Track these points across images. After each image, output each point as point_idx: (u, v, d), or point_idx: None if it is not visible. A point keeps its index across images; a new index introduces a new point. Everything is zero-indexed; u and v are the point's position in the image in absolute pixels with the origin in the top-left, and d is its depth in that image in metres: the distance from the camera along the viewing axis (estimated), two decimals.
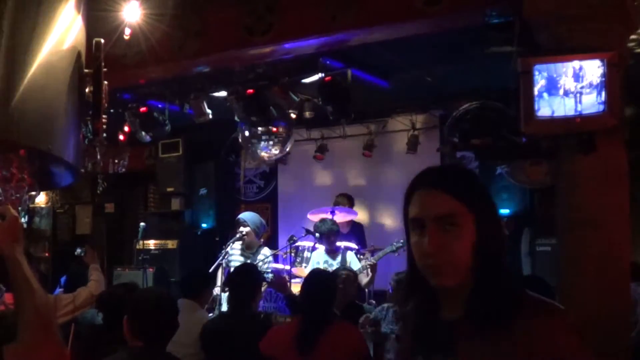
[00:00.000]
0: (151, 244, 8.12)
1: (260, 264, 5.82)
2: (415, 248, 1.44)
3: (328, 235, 6.07)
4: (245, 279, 4.19)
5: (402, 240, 6.36)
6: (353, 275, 5.27)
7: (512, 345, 1.33)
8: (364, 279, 5.96)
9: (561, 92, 3.74)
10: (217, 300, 5.52)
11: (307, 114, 6.64)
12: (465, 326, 1.40)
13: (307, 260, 6.34)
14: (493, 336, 1.35)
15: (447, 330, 1.43)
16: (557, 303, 1.49)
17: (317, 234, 6.16)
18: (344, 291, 4.84)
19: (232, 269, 5.35)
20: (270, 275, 5.55)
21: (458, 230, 1.39)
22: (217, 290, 5.59)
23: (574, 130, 3.75)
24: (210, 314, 5.19)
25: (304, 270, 6.04)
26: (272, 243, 7.71)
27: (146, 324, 2.81)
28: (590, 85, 3.69)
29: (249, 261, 5.89)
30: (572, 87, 3.73)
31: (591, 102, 3.70)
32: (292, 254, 6.32)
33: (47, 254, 9.48)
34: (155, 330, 2.82)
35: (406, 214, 1.49)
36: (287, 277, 5.77)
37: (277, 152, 7.33)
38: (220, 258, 5.95)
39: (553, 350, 1.33)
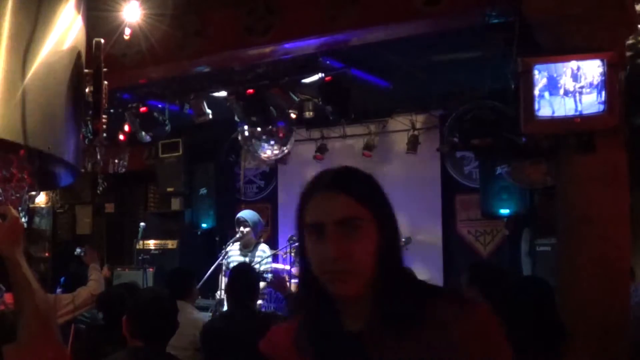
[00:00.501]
0: (151, 244, 8.12)
1: (258, 259, 5.81)
2: (315, 255, 1.35)
3: None
4: (241, 279, 4.19)
5: (402, 240, 6.37)
6: None
7: (427, 346, 1.28)
8: None
9: (561, 92, 3.74)
10: (221, 303, 5.52)
11: (307, 114, 6.64)
12: (373, 336, 1.32)
13: None
14: (405, 342, 1.29)
15: (353, 343, 1.34)
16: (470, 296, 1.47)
17: None
18: None
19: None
20: (270, 275, 5.56)
21: (360, 234, 1.32)
22: (219, 293, 5.59)
23: (574, 130, 3.75)
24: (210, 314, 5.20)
25: None
26: (272, 243, 7.70)
27: (146, 324, 2.81)
28: (590, 85, 3.69)
29: (247, 259, 5.90)
30: (572, 87, 3.74)
31: (591, 102, 3.70)
32: (292, 254, 6.32)
33: (47, 254, 9.48)
34: (155, 329, 2.82)
35: (301, 219, 1.39)
36: (287, 277, 5.77)
37: (277, 152, 7.33)
38: (221, 258, 5.95)
39: (471, 340, 1.27)
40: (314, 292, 1.38)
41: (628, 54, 3.93)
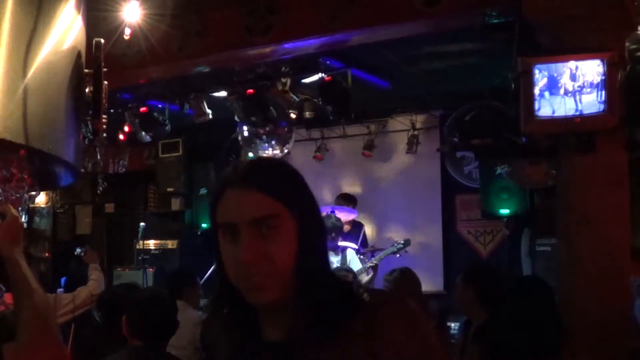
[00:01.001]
0: (151, 244, 8.12)
1: None
2: (228, 258, 1.22)
3: (331, 230, 6.08)
4: None
5: (402, 242, 6.38)
6: (351, 276, 5.28)
7: (353, 355, 1.16)
8: (365, 279, 5.98)
9: (562, 91, 3.74)
10: None
11: (307, 114, 6.64)
12: (295, 346, 1.19)
13: None
14: (329, 352, 1.17)
15: (275, 354, 1.22)
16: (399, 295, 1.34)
17: None
18: None
19: None
20: None
21: (278, 234, 1.19)
22: None
23: (574, 130, 3.75)
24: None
25: None
26: None
27: (145, 324, 2.81)
28: (591, 85, 3.69)
29: None
30: (572, 86, 3.74)
31: (591, 102, 3.70)
32: None
33: (47, 254, 9.47)
34: (155, 329, 2.82)
35: (214, 218, 1.27)
36: None
37: (277, 152, 7.33)
38: None
39: (402, 340, 1.16)
40: (231, 298, 1.25)
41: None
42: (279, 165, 1.29)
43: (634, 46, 3.90)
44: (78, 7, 2.18)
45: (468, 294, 3.74)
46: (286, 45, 5.12)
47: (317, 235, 1.26)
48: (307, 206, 1.25)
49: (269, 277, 1.18)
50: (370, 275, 6.00)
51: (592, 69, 3.69)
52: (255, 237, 1.18)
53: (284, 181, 1.24)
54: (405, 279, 4.51)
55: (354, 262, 6.08)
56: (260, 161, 1.34)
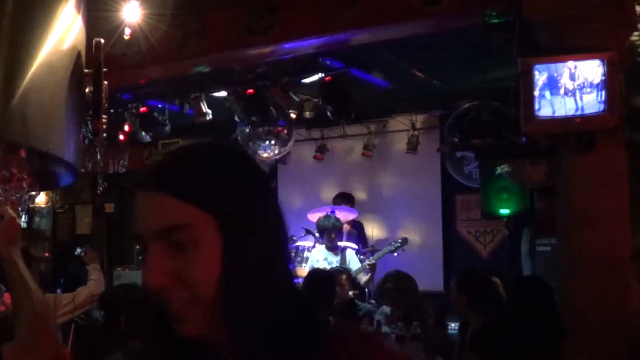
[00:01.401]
0: None
1: None
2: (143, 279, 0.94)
3: (331, 231, 6.08)
4: None
5: (399, 240, 6.39)
6: (344, 276, 5.28)
7: None
8: (363, 278, 5.99)
9: (562, 91, 3.74)
10: None
11: (307, 114, 6.64)
12: None
13: (307, 259, 6.35)
14: None
15: None
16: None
17: (319, 231, 6.18)
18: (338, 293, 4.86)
19: None
20: None
21: (195, 249, 0.89)
22: None
23: (574, 130, 3.75)
24: None
25: (304, 270, 6.04)
26: None
27: (145, 324, 2.80)
28: (591, 85, 3.69)
29: None
30: (572, 86, 3.74)
31: (591, 102, 3.70)
32: (292, 254, 6.33)
33: (47, 254, 9.47)
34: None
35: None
36: None
37: (277, 152, 7.33)
38: None
39: None
40: (160, 326, 0.96)
41: None
42: (199, 156, 0.95)
43: None
44: (78, 7, 2.19)
45: (462, 299, 3.79)
46: (286, 45, 5.12)
47: (254, 245, 0.91)
48: (238, 210, 0.91)
49: (191, 304, 0.89)
50: (368, 275, 6.00)
51: (592, 69, 3.69)
52: (163, 254, 0.89)
53: (206, 178, 0.91)
54: (401, 285, 4.56)
55: (353, 262, 6.08)
56: (177, 152, 0.95)
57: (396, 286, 4.59)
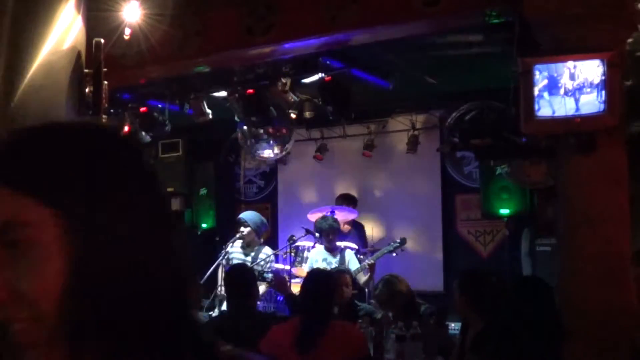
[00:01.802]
0: None
1: (262, 263, 5.83)
2: None
3: (328, 232, 6.08)
4: (240, 279, 4.19)
5: (398, 241, 6.39)
6: (348, 277, 5.28)
7: None
8: (362, 278, 5.99)
9: (562, 91, 3.74)
10: (219, 300, 5.53)
11: (307, 114, 6.64)
12: None
13: (307, 260, 6.35)
14: None
15: None
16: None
17: (317, 232, 6.18)
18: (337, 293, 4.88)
19: None
20: (270, 276, 5.57)
21: (32, 254, 0.70)
22: (219, 289, 5.61)
23: (574, 130, 3.75)
24: (211, 313, 5.20)
25: (303, 270, 6.05)
26: (272, 243, 7.71)
27: None
28: (591, 85, 3.69)
29: (249, 259, 5.91)
30: (572, 86, 3.74)
31: (591, 102, 3.70)
32: (292, 254, 6.34)
33: None
34: None
35: None
36: (287, 277, 5.78)
37: (277, 152, 7.34)
38: (221, 258, 5.96)
39: None
40: None
41: None
42: (57, 139, 0.75)
43: None
44: (78, 7, 2.19)
45: (463, 301, 3.79)
46: (286, 45, 5.12)
47: (115, 250, 0.71)
48: (103, 215, 0.72)
49: (35, 324, 0.70)
50: (367, 275, 6.01)
51: (592, 69, 3.69)
52: None
53: (57, 166, 0.72)
54: (390, 289, 4.60)
55: (353, 263, 6.08)
56: (24, 132, 0.74)
57: (386, 290, 4.65)
